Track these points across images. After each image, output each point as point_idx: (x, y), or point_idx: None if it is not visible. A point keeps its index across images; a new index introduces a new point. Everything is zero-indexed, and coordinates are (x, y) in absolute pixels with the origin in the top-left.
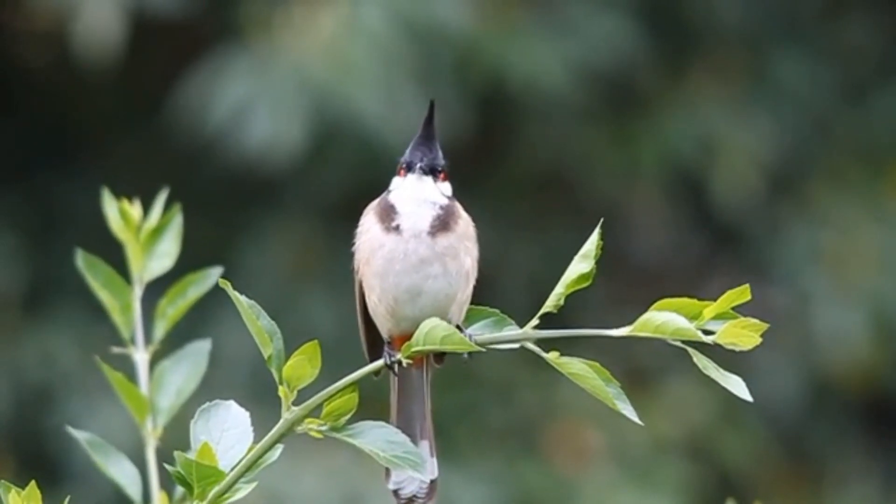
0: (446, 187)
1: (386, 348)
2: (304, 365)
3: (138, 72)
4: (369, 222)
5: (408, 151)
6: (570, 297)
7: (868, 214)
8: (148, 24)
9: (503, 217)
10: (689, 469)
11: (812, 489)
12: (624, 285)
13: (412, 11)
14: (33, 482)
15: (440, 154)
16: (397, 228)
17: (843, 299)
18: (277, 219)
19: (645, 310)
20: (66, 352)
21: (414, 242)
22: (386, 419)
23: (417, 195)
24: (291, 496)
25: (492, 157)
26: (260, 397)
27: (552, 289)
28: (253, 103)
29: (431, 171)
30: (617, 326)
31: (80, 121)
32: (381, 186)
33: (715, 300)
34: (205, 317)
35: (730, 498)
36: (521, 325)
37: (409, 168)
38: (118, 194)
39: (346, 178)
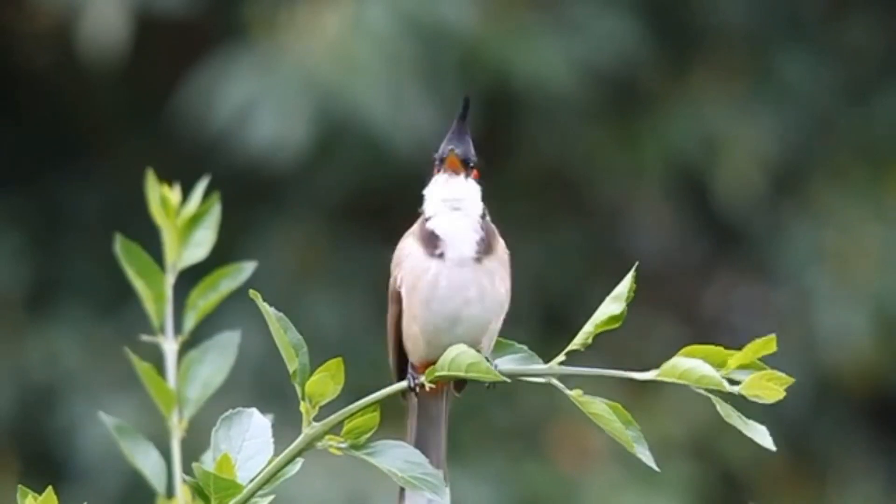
0: (476, 188)
1: (410, 370)
2: (327, 382)
3: (142, 71)
4: (409, 246)
5: (442, 145)
6: (572, 298)
7: (871, 213)
8: (152, 23)
9: (506, 216)
10: (692, 469)
11: (815, 488)
12: None
13: (417, 11)
14: (50, 488)
15: (472, 150)
16: (441, 256)
17: (846, 298)
18: (282, 219)
19: (647, 310)
20: (70, 351)
21: (458, 269)
22: (403, 437)
23: (451, 195)
24: (297, 496)
25: (495, 156)
26: (264, 396)
27: (555, 288)
28: (257, 103)
29: (464, 162)
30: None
31: (83, 120)
32: (385, 186)
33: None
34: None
35: (734, 497)
36: (526, 328)
37: (442, 160)
38: (122, 194)
39: (351, 177)
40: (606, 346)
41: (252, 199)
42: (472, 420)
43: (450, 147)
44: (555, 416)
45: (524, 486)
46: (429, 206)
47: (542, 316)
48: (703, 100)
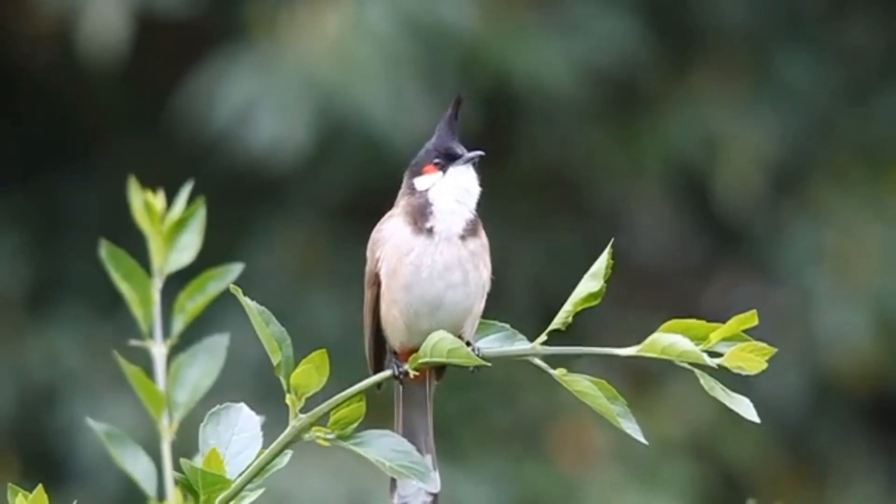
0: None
1: (392, 359)
2: (312, 373)
3: (142, 72)
4: (392, 227)
5: (436, 145)
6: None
7: (870, 213)
8: (152, 23)
9: (506, 216)
10: (692, 469)
11: (815, 488)
12: (626, 284)
13: (417, 11)
14: (40, 486)
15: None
16: (430, 231)
17: (846, 298)
18: (282, 219)
19: (647, 310)
20: (70, 351)
21: (444, 245)
22: (390, 428)
23: (468, 186)
24: (296, 496)
25: (495, 156)
26: (264, 396)
27: (555, 289)
28: (258, 103)
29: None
30: (618, 326)
31: (83, 121)
32: (385, 186)
33: (724, 321)
34: (208, 314)
35: (734, 497)
36: (525, 327)
37: (451, 158)
38: (122, 194)
39: (351, 177)
40: (603, 345)
41: (252, 200)
42: (472, 420)
43: (477, 151)
44: (555, 416)
45: (524, 487)
46: (435, 189)
47: (541, 316)
48: (703, 100)
